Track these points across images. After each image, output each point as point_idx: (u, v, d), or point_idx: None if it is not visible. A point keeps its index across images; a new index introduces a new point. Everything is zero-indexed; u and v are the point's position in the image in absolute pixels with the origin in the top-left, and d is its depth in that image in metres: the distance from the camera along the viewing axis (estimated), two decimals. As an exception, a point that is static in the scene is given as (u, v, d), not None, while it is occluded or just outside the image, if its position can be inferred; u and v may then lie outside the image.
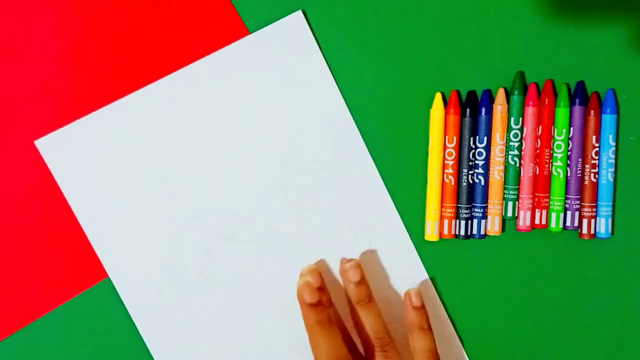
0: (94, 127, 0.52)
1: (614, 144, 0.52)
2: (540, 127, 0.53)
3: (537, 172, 0.53)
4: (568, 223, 0.53)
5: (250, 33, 0.52)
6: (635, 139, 0.53)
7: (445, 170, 0.53)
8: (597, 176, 0.53)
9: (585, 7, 0.53)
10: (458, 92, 0.53)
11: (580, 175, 0.52)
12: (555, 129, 0.53)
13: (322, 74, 0.52)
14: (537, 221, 0.53)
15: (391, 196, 0.53)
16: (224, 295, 0.53)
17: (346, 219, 0.53)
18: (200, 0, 0.52)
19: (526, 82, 0.53)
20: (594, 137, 0.52)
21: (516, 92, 0.52)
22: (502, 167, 0.53)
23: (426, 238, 0.53)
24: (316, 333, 0.49)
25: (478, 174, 0.53)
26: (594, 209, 0.53)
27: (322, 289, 0.51)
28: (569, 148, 0.52)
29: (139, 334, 0.53)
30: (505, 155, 0.53)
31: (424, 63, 0.53)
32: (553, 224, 0.53)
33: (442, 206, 0.53)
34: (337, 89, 0.53)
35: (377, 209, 0.53)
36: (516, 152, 0.53)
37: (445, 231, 0.53)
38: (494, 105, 0.52)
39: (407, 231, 0.54)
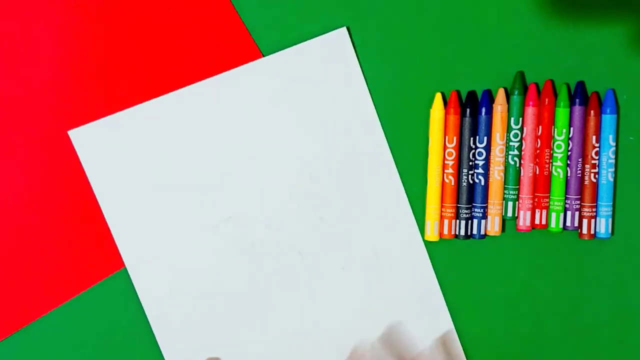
0: (128, 124, 0.52)
1: (614, 144, 0.52)
2: (540, 127, 0.53)
3: (537, 172, 0.53)
4: (568, 223, 0.53)
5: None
6: (635, 139, 0.53)
7: (445, 170, 0.53)
8: (597, 176, 0.53)
9: (585, 7, 0.53)
10: (458, 92, 0.53)
11: (580, 175, 0.52)
12: (555, 129, 0.53)
13: (360, 89, 0.53)
14: (537, 221, 0.53)
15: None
16: (239, 304, 0.53)
17: (367, 236, 0.53)
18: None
19: (526, 82, 0.53)
20: (594, 137, 0.52)
21: (516, 92, 0.52)
22: (502, 167, 0.53)
23: (426, 238, 0.53)
24: None
25: (478, 174, 0.53)
26: (594, 209, 0.53)
27: None
28: (569, 148, 0.52)
29: (146, 331, 0.53)
30: (505, 155, 0.53)
31: (424, 63, 0.53)
32: (553, 224, 0.53)
33: (442, 206, 0.53)
34: (372, 104, 0.53)
35: (400, 228, 0.53)
36: (516, 152, 0.53)
37: (445, 231, 0.53)
38: (494, 105, 0.52)
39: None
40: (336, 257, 0.53)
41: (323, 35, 0.52)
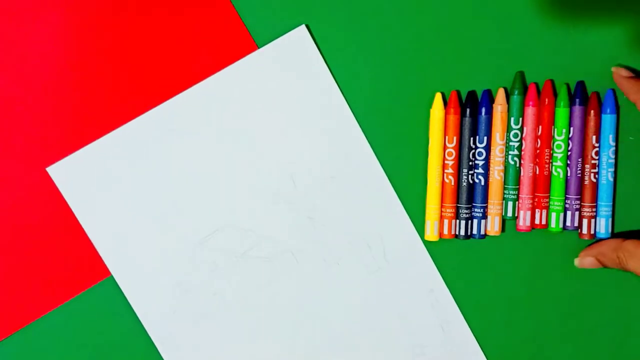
0: (104, 151, 0.52)
1: (613, 143, 0.52)
2: (540, 127, 0.53)
3: (537, 172, 0.53)
4: (568, 223, 0.53)
5: (259, 47, 0.52)
6: (635, 139, 0.53)
7: (445, 170, 0.53)
8: (597, 176, 0.53)
9: (585, 7, 0.52)
10: (458, 92, 0.53)
11: (580, 175, 0.52)
12: (555, 129, 0.53)
13: (328, 85, 0.52)
14: (537, 221, 0.53)
15: (391, 196, 0.54)
16: (238, 313, 0.53)
17: (359, 229, 0.53)
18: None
19: (526, 82, 0.53)
20: (594, 137, 0.52)
21: (516, 92, 0.52)
22: (502, 167, 0.53)
23: (426, 238, 0.53)
24: None
25: (478, 174, 0.53)
26: (594, 209, 0.53)
27: None
28: (569, 148, 0.52)
29: (140, 335, 0.53)
30: (505, 155, 0.53)
31: (424, 63, 0.53)
32: (553, 224, 0.53)
33: (442, 206, 0.53)
34: (344, 98, 0.52)
35: (388, 216, 0.53)
36: (516, 152, 0.53)
37: (445, 231, 0.53)
38: (494, 105, 0.52)
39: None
40: (329, 255, 0.53)
41: (283, 36, 0.52)
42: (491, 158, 0.53)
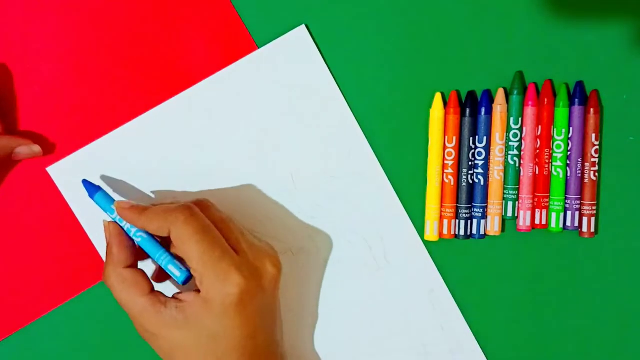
0: (104, 151, 0.52)
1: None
2: (539, 127, 0.53)
3: (537, 172, 0.53)
4: (568, 223, 0.53)
5: (259, 47, 0.52)
6: (635, 139, 0.54)
7: (445, 170, 0.53)
8: (596, 174, 0.53)
9: (585, 7, 0.53)
10: (458, 92, 0.53)
11: (580, 175, 0.52)
12: (555, 129, 0.53)
13: (328, 85, 0.52)
14: (537, 221, 0.53)
15: (391, 196, 0.54)
16: None
17: (359, 229, 0.53)
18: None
19: (525, 82, 0.53)
20: (593, 135, 0.52)
21: (515, 92, 0.52)
22: (501, 167, 0.53)
23: (426, 238, 0.53)
24: None
25: (478, 174, 0.53)
26: (594, 207, 0.53)
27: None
28: (569, 148, 0.52)
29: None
30: (505, 155, 0.53)
31: (424, 63, 0.53)
32: (553, 224, 0.53)
33: (442, 206, 0.53)
34: (344, 98, 0.53)
35: (389, 216, 0.53)
36: (516, 152, 0.53)
37: (445, 231, 0.53)
38: (493, 105, 0.52)
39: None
40: (330, 254, 0.53)
41: (284, 36, 0.52)
42: (491, 158, 0.53)
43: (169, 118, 0.52)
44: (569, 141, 0.52)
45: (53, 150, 0.52)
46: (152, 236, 0.48)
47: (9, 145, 0.50)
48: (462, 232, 0.53)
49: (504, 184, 0.53)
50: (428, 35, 0.53)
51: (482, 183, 0.53)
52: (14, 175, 0.52)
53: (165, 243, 0.48)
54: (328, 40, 0.52)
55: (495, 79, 0.53)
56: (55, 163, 0.52)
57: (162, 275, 0.51)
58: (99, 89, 0.52)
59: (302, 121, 0.53)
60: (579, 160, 0.52)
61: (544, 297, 0.54)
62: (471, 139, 0.52)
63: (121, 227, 0.48)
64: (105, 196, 0.49)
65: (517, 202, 0.53)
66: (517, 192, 0.53)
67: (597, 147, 0.52)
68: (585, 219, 0.53)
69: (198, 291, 0.45)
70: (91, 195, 0.49)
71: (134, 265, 0.48)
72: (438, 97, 0.52)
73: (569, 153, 0.53)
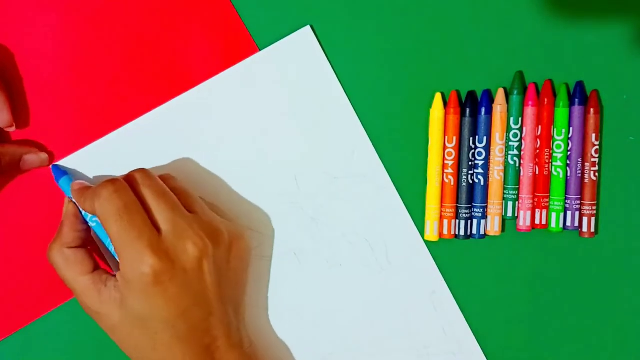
0: (106, 150, 0.52)
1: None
2: (539, 127, 0.53)
3: (537, 172, 0.53)
4: (568, 223, 0.53)
5: (259, 49, 0.52)
6: (635, 139, 0.54)
7: (445, 170, 0.53)
8: (596, 174, 0.53)
9: (585, 7, 0.53)
10: (458, 92, 0.53)
11: (580, 175, 0.53)
12: (555, 129, 0.53)
13: (333, 85, 0.52)
14: (537, 221, 0.53)
15: (391, 196, 0.54)
16: None
17: (361, 230, 0.53)
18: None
19: (525, 82, 0.53)
20: (593, 135, 0.52)
21: (515, 92, 0.52)
22: (501, 167, 0.53)
23: (426, 238, 0.53)
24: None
25: (478, 174, 0.53)
26: (594, 207, 0.53)
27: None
28: (569, 148, 0.52)
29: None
30: (505, 155, 0.53)
31: (424, 63, 0.53)
32: (553, 224, 0.53)
33: (442, 206, 0.53)
34: (348, 100, 0.53)
35: (391, 217, 0.53)
36: (516, 152, 0.53)
37: (445, 231, 0.53)
38: (493, 105, 0.52)
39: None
40: (332, 256, 0.53)
41: (289, 36, 0.52)
42: (491, 158, 0.53)
43: (172, 118, 0.52)
44: (569, 141, 0.52)
45: (56, 149, 0.52)
46: None
47: (18, 153, 0.50)
48: (462, 232, 0.53)
49: (504, 184, 0.53)
50: (428, 35, 0.53)
51: (482, 183, 0.53)
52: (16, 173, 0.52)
53: None
54: (327, 41, 0.52)
55: (495, 79, 0.53)
56: (58, 161, 0.52)
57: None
58: (101, 89, 0.52)
59: (305, 122, 0.52)
60: (579, 160, 0.52)
61: (544, 297, 0.54)
62: (471, 139, 0.52)
63: (80, 210, 0.48)
64: (70, 181, 0.49)
65: (517, 202, 0.53)
66: (517, 192, 0.53)
67: (597, 147, 0.52)
68: (585, 219, 0.53)
69: None
70: (57, 180, 0.50)
71: (80, 246, 0.48)
72: (438, 97, 0.52)
73: (569, 153, 0.53)
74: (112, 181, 0.46)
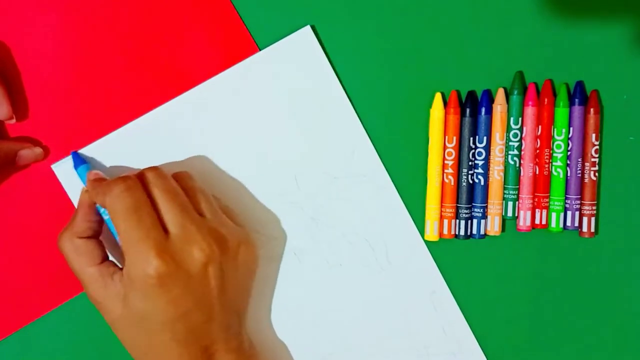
0: (107, 150, 0.52)
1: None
2: (539, 127, 0.53)
3: (537, 172, 0.53)
4: (568, 223, 0.53)
5: (260, 49, 0.52)
6: (635, 139, 0.54)
7: (445, 170, 0.53)
8: (596, 174, 0.53)
9: (585, 7, 0.53)
10: (458, 92, 0.53)
11: (580, 175, 0.53)
12: (555, 129, 0.53)
13: (333, 85, 0.52)
14: (537, 221, 0.53)
15: (391, 196, 0.54)
16: None
17: (362, 230, 0.53)
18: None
19: (525, 82, 0.53)
20: (593, 135, 0.52)
21: (516, 92, 0.52)
22: (502, 167, 0.53)
23: (426, 238, 0.53)
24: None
25: (478, 174, 0.53)
26: (594, 207, 0.53)
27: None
28: (569, 148, 0.53)
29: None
30: (505, 155, 0.53)
31: (424, 63, 0.53)
32: (553, 224, 0.53)
33: (442, 206, 0.53)
34: (348, 100, 0.53)
35: (391, 217, 0.53)
36: (516, 152, 0.53)
37: (445, 231, 0.53)
38: (493, 105, 0.53)
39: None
40: (332, 256, 0.53)
41: (289, 36, 0.52)
42: (491, 158, 0.53)
43: (172, 118, 0.52)
44: (569, 141, 0.52)
45: (57, 149, 0.52)
46: None
47: (13, 149, 0.50)
48: (462, 232, 0.53)
49: (504, 184, 0.53)
50: (428, 35, 0.53)
51: (482, 183, 0.53)
52: (18, 173, 0.52)
53: None
54: (328, 41, 0.52)
55: (495, 79, 0.53)
56: (60, 161, 0.52)
57: None
58: (101, 89, 0.52)
59: (305, 122, 0.52)
60: (579, 160, 0.52)
61: (544, 297, 0.54)
62: (471, 139, 0.52)
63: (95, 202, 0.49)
64: (87, 169, 0.50)
65: (517, 202, 0.53)
66: (517, 192, 0.53)
67: (597, 147, 0.52)
68: (585, 219, 0.53)
69: None
70: (75, 167, 0.50)
71: (91, 237, 0.48)
72: (438, 97, 0.52)
73: (569, 153, 0.53)
74: (124, 178, 0.46)
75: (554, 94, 0.53)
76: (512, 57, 0.53)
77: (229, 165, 0.52)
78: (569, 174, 0.53)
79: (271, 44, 0.52)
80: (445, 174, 0.53)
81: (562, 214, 0.53)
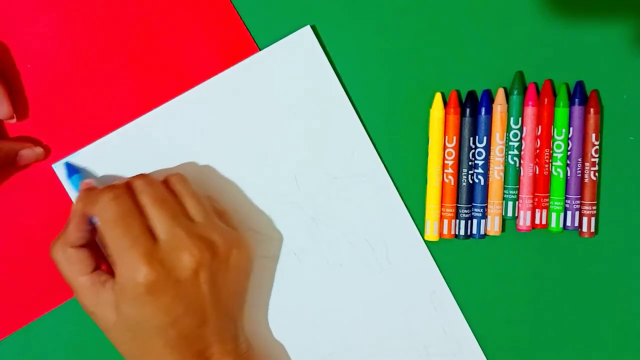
0: (107, 149, 0.52)
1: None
2: (539, 127, 0.53)
3: (537, 172, 0.53)
4: (568, 223, 0.53)
5: (260, 49, 0.52)
6: (635, 139, 0.54)
7: (445, 170, 0.53)
8: (596, 174, 0.53)
9: (585, 7, 0.53)
10: (458, 92, 0.53)
11: (580, 175, 0.53)
12: (555, 129, 0.53)
13: (333, 85, 0.52)
14: (537, 221, 0.53)
15: (391, 196, 0.54)
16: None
17: (362, 230, 0.53)
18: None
19: (525, 82, 0.53)
20: (593, 135, 0.52)
21: (516, 92, 0.52)
22: (502, 167, 0.53)
23: (426, 238, 0.53)
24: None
25: (478, 174, 0.53)
26: (594, 207, 0.53)
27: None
28: (569, 148, 0.53)
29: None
30: (505, 155, 0.53)
31: (424, 63, 0.53)
32: (553, 224, 0.53)
33: (442, 206, 0.53)
34: (348, 100, 0.53)
35: (391, 218, 0.53)
36: (516, 152, 0.53)
37: (445, 231, 0.53)
38: (493, 105, 0.53)
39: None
40: (332, 256, 0.53)
41: (289, 36, 0.52)
42: (491, 158, 0.53)
43: (172, 118, 0.52)
44: (569, 141, 0.52)
45: (58, 149, 0.52)
46: None
47: (13, 149, 0.50)
48: (462, 232, 0.53)
49: (504, 184, 0.53)
50: (428, 35, 0.53)
51: (482, 183, 0.53)
52: (19, 173, 0.52)
53: None
54: (327, 41, 0.53)
55: (495, 79, 0.53)
56: (61, 160, 0.52)
57: None
58: (101, 89, 0.52)
59: (305, 122, 0.52)
60: (579, 160, 0.52)
61: (544, 297, 0.54)
62: (471, 139, 0.52)
63: None
64: (80, 179, 0.50)
65: (517, 202, 0.53)
66: (517, 192, 0.53)
67: (597, 147, 0.52)
68: (585, 219, 0.53)
69: None
70: (69, 177, 0.50)
71: (83, 246, 0.48)
72: (438, 97, 0.52)
73: (569, 153, 0.53)
74: (112, 187, 0.46)
75: (554, 94, 0.53)
76: (512, 57, 0.53)
77: (228, 165, 0.52)
78: (569, 174, 0.53)
79: (271, 44, 0.52)
80: (445, 174, 0.53)
81: (562, 214, 0.53)
